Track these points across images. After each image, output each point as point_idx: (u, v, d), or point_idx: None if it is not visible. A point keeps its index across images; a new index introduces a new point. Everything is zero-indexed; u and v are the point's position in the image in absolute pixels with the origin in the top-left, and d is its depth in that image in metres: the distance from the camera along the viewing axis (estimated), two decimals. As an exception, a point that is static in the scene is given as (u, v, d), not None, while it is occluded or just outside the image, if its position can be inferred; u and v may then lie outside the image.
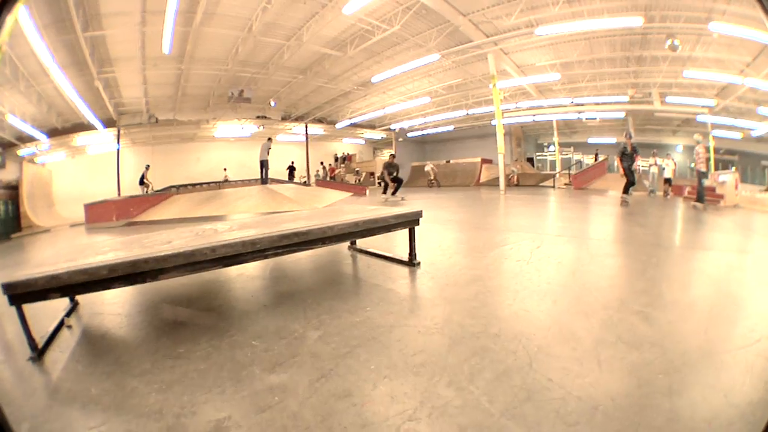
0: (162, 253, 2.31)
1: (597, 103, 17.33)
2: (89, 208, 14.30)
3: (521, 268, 3.53)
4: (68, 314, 2.76)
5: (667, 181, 14.76)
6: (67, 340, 2.37)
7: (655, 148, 16.01)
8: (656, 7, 11.93)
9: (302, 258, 4.18)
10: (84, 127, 18.84)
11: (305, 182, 21.56)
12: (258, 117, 21.38)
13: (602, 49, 14.59)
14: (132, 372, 1.90)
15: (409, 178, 22.60)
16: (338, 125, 23.61)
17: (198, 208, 13.15)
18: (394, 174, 14.20)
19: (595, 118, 18.75)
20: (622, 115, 17.80)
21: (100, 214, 14.07)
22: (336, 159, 25.72)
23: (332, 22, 13.30)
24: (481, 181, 18.55)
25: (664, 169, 14.85)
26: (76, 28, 11.44)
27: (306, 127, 23.23)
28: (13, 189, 17.31)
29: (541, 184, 18.58)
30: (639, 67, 15.14)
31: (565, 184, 17.44)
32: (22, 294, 2.01)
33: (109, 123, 18.68)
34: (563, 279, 3.29)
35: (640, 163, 11.79)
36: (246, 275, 3.73)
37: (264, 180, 17.78)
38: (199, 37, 13.15)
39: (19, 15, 8.68)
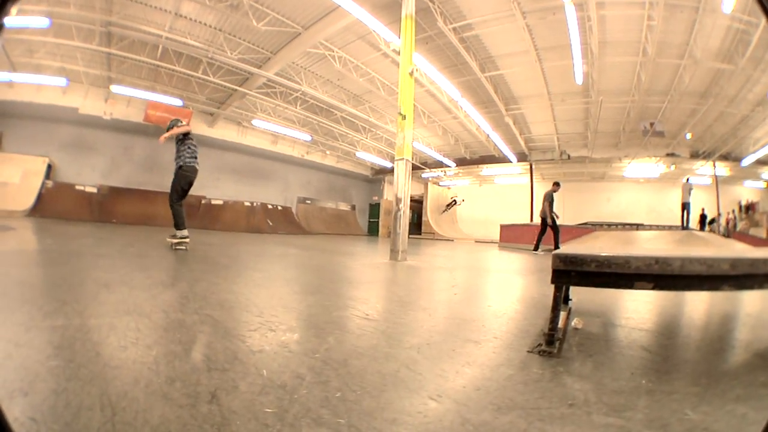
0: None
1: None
2: (504, 228, 16.72)
3: None
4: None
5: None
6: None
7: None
8: None
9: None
10: (492, 159, 23.08)
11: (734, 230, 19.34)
12: (668, 155, 20.72)
13: None
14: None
15: None
16: (743, 162, 20.10)
17: (623, 245, 13.17)
18: None
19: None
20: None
21: (514, 236, 15.60)
22: (740, 207, 22.04)
23: (713, 29, 12.21)
24: None
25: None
26: (475, 70, 14.10)
27: (714, 165, 21.03)
28: (417, 202, 24.21)
29: None
30: None
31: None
32: (578, 273, 1.82)
33: (520, 157, 22.35)
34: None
35: None
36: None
37: (686, 225, 17.01)
38: (601, 68, 14.16)
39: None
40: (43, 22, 10.94)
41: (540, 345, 1.81)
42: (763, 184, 22.41)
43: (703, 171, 21.66)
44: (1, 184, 12.85)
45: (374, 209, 25.98)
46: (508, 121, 17.99)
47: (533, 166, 22.58)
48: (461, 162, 24.27)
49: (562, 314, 2.16)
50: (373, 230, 25.29)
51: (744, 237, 17.16)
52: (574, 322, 2.26)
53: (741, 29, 12.27)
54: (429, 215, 22.11)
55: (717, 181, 21.64)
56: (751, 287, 1.75)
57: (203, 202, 16.78)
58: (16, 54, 12.94)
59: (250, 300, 2.61)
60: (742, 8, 11.31)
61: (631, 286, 1.76)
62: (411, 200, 20.12)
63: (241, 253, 6.36)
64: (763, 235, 19.13)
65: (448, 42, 12.42)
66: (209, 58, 13.05)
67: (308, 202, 22.97)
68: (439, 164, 24.24)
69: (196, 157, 6.05)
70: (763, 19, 10.12)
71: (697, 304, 3.25)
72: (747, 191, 22.38)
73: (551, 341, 1.81)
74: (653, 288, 1.76)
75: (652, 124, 17.49)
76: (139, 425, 1.01)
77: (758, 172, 21.68)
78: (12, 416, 0.97)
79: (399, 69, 8.10)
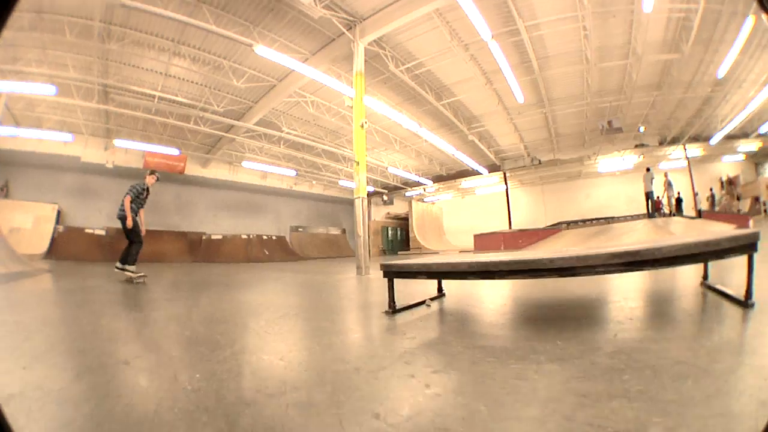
0: (508, 259, 3.18)
1: None
2: (478, 237, 18.61)
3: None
4: (433, 299, 4.04)
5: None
6: (422, 311, 3.65)
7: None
8: None
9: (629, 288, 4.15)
10: (467, 173, 25.10)
11: (699, 213, 20.03)
12: (637, 146, 22.47)
13: None
14: (435, 338, 2.74)
15: None
16: (712, 140, 21.44)
17: (584, 242, 14.28)
18: None
19: None
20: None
21: (487, 244, 17.38)
22: (722, 184, 23.24)
23: (649, 24, 13.34)
24: None
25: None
26: (431, 101, 16.12)
27: (684, 148, 22.46)
28: (403, 220, 26.42)
29: None
30: None
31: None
32: (395, 272, 3.66)
33: (494, 168, 24.42)
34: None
35: None
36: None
37: (651, 213, 18.35)
38: (546, 81, 15.89)
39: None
40: (50, 90, 12.33)
41: (387, 311, 3.64)
42: (742, 157, 23.30)
43: (677, 155, 23.03)
44: (14, 230, 13.88)
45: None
46: (473, 139, 19.90)
47: (507, 175, 24.71)
48: (439, 179, 26.74)
49: (435, 301, 4.11)
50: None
51: (713, 215, 18.03)
52: (426, 302, 3.96)
53: (681, 17, 13.42)
54: (415, 231, 24.32)
55: (690, 162, 22.83)
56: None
57: (204, 237, 18.58)
58: (18, 108, 14.34)
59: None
60: None
61: (413, 277, 3.72)
62: (397, 218, 25.28)
63: (245, 278, 8.55)
64: (746, 208, 20.50)
65: (404, 80, 14.42)
66: (198, 111, 14.95)
67: (300, 230, 24.72)
68: (419, 183, 26.61)
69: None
70: (702, 2, 12.13)
71: (531, 293, 4.45)
72: (727, 166, 23.55)
73: (392, 310, 3.62)
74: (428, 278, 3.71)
75: (609, 122, 18.93)
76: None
77: (735, 147, 22.49)
78: (12, 416, 1.13)
79: (353, 121, 10.34)
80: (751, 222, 15.02)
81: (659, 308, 3.33)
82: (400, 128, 18.77)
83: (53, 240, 14.70)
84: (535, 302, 3.94)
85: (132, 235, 7.20)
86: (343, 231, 27.64)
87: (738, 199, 22.40)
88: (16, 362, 2.23)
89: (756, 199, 21.10)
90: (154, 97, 14.25)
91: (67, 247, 14.60)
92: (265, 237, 20.04)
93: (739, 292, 2.85)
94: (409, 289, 4.57)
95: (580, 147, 22.62)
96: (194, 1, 10.35)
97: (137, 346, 2.84)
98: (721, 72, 15.36)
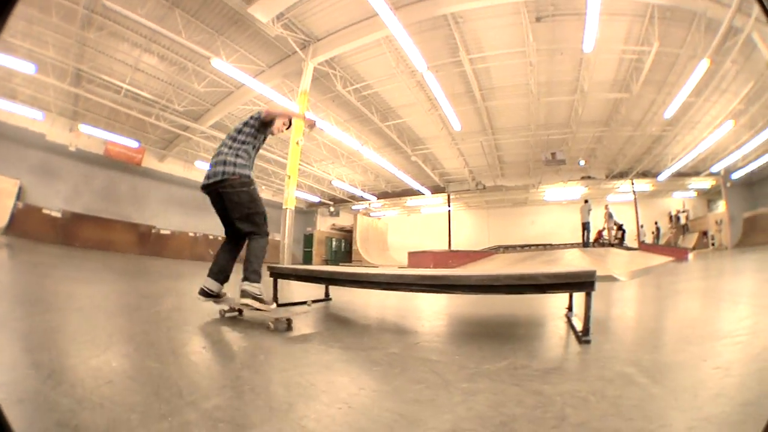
0: (344, 271, 4.04)
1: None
2: (412, 255, 18.49)
3: None
4: (315, 301, 4.37)
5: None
6: (301, 308, 4.03)
7: None
8: None
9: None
10: (412, 192, 25.85)
11: (643, 242, 21.30)
12: (583, 178, 23.57)
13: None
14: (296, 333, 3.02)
15: (742, 234, 19.66)
16: (660, 177, 22.77)
17: (511, 265, 14.39)
18: None
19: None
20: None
21: (419, 262, 17.53)
22: (670, 218, 24.66)
23: (598, 64, 14.04)
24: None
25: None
26: (376, 121, 17.05)
27: (632, 183, 23.71)
28: (347, 232, 27.02)
29: None
30: None
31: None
32: (278, 273, 4.16)
33: (437, 189, 25.34)
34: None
35: None
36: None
37: (586, 243, 19.58)
38: (490, 111, 16.82)
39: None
40: (29, 67, 12.62)
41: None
42: (694, 194, 24.82)
43: (625, 188, 24.27)
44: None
45: (308, 239, 27.54)
46: (416, 160, 21.30)
47: (451, 197, 25.74)
48: (384, 195, 28.07)
49: (321, 304, 4.53)
50: (308, 259, 26.66)
51: (652, 248, 18.68)
52: (308, 302, 4.20)
53: (634, 59, 14.05)
54: (358, 244, 24.94)
55: (636, 196, 24.06)
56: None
57: (153, 231, 18.84)
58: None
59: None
60: (635, 39, 13.16)
61: (296, 279, 4.57)
62: (342, 230, 26.14)
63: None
64: (691, 243, 21.32)
65: (351, 100, 15.34)
66: (158, 110, 15.70)
67: None
68: (363, 198, 27.41)
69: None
70: (657, 45, 12.61)
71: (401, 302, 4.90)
72: (678, 202, 25.01)
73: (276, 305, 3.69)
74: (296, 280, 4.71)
75: (553, 154, 19.89)
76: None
77: (686, 184, 24.07)
78: (12, 416, 1.12)
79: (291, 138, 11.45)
80: (690, 255, 15.48)
81: (492, 329, 3.44)
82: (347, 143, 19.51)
83: (12, 216, 14.55)
84: (420, 315, 4.33)
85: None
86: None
87: (685, 232, 23.62)
88: None
89: (704, 234, 22.17)
90: (121, 88, 14.77)
91: (24, 225, 14.62)
92: (211, 237, 20.24)
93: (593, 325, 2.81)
94: (317, 293, 4.88)
95: (525, 175, 23.52)
96: (169, 5, 10.98)
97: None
98: (669, 113, 15.85)
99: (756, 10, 10.52)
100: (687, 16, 12.64)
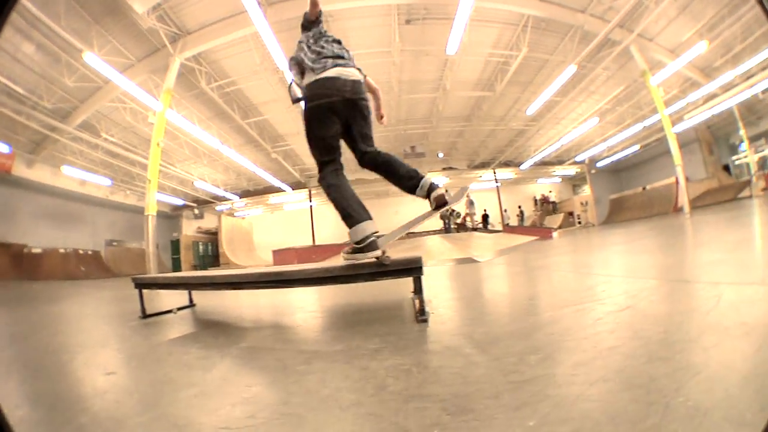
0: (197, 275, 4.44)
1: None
2: (276, 253, 19.70)
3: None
4: (181, 309, 4.47)
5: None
6: (169, 317, 4.14)
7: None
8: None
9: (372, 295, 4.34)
10: (274, 189, 26.65)
11: (507, 225, 23.83)
12: (444, 168, 25.55)
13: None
14: (161, 337, 3.25)
15: (609, 213, 22.85)
16: (522, 166, 25.61)
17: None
18: None
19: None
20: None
21: (284, 259, 18.19)
22: (535, 202, 27.78)
23: (463, 65, 15.03)
24: (679, 206, 15.92)
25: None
26: (237, 119, 17.15)
27: (494, 172, 26.43)
28: (213, 234, 26.54)
29: (740, 195, 16.49)
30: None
31: (763, 190, 15.59)
32: (141, 284, 4.25)
33: (298, 185, 26.40)
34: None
35: None
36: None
37: (447, 228, 21.39)
38: None
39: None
40: None
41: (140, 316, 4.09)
42: (559, 179, 28.69)
43: (488, 177, 26.93)
44: None
45: (176, 245, 25.55)
46: (277, 157, 21.91)
47: (312, 192, 26.92)
48: (246, 194, 28.16)
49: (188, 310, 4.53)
50: (177, 266, 24.72)
51: (515, 229, 21.13)
52: (173, 310, 4.39)
53: (501, 62, 15.13)
54: (225, 246, 24.54)
55: (499, 183, 27.11)
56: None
57: (25, 251, 16.33)
58: None
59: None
60: (505, 44, 14.40)
61: (161, 288, 4.84)
62: (208, 233, 27.10)
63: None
64: (557, 223, 23.96)
65: (214, 97, 15.51)
66: (28, 108, 14.22)
67: (114, 243, 22.39)
68: (226, 198, 27.78)
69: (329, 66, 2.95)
70: (524, 50, 13.88)
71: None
72: (543, 188, 28.47)
73: (143, 316, 4.09)
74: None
75: (413, 147, 21.55)
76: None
77: (551, 171, 27.64)
78: (12, 416, 1.19)
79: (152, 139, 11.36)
80: (555, 234, 16.90)
81: (345, 317, 3.56)
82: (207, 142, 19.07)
83: None
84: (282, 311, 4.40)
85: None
86: (157, 246, 26.12)
87: (555, 212, 26.56)
88: None
89: (570, 214, 25.35)
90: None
91: None
92: (81, 251, 18.73)
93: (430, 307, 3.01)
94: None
95: (387, 168, 24.91)
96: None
97: None
98: (531, 110, 17.87)
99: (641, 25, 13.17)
100: (562, 28, 14.27)
